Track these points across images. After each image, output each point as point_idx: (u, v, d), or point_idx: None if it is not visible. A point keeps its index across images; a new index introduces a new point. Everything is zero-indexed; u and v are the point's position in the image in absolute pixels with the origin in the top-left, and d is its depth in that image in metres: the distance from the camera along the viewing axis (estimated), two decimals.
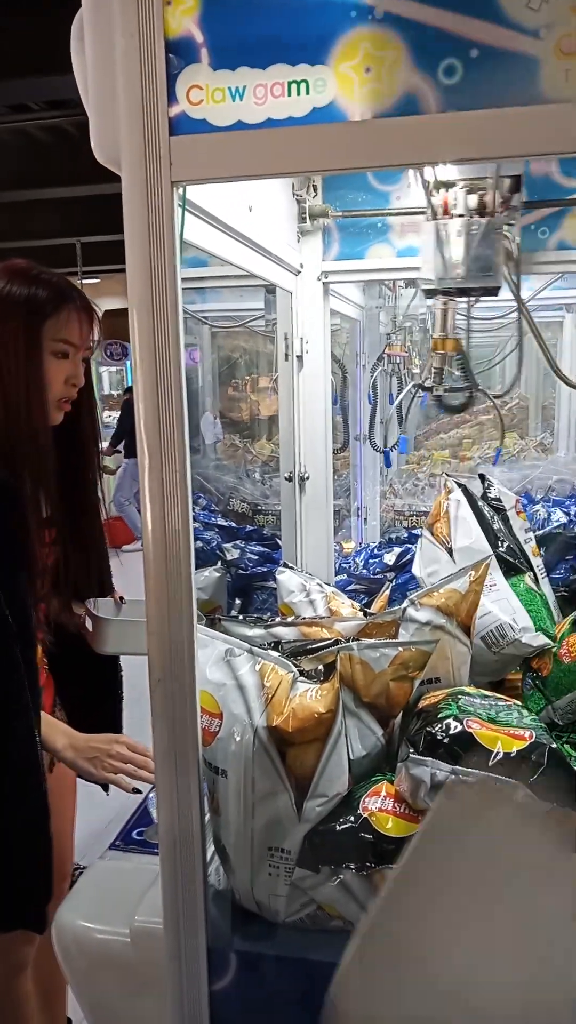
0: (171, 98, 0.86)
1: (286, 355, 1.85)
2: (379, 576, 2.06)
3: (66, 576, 1.49)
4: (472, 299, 1.73)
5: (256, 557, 2.32)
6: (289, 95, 0.84)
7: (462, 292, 1.63)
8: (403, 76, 0.82)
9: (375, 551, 2.34)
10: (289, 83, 0.84)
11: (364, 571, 2.14)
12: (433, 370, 1.78)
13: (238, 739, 1.01)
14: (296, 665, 1.08)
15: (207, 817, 1.06)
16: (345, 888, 1.00)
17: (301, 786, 1.00)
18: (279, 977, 1.04)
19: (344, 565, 2.34)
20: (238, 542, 2.45)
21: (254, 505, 3.17)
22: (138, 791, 1.38)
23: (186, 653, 0.95)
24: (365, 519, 2.80)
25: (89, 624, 1.55)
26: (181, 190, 0.91)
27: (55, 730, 1.37)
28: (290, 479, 1.96)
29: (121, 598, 1.64)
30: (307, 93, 0.83)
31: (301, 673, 1.06)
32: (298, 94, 0.84)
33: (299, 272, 1.85)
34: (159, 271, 0.89)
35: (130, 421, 7.63)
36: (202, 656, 1.05)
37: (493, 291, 1.63)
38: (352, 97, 0.83)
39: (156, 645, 0.97)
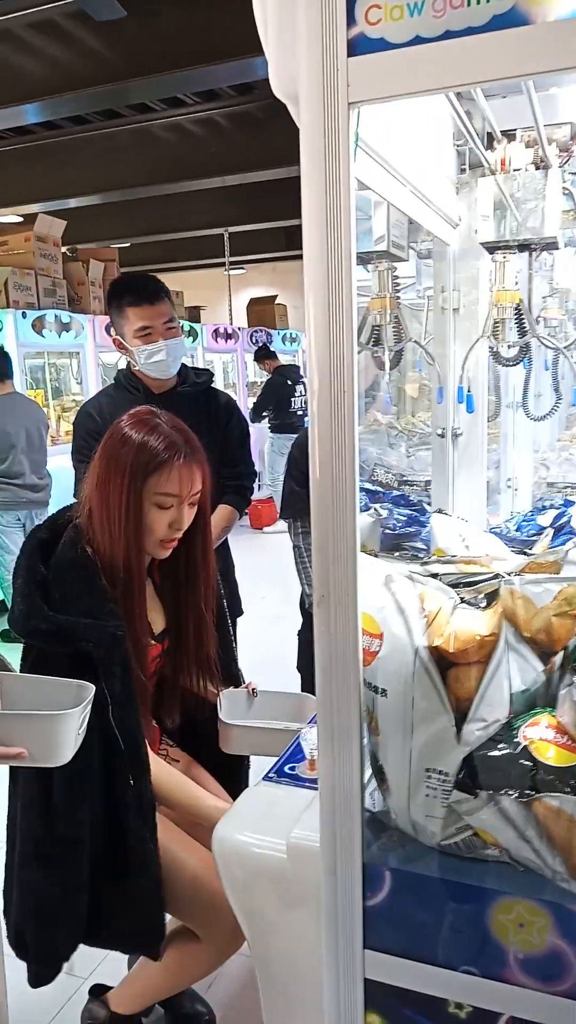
0: (350, 21, 0.88)
1: (443, 307, 1.84)
2: (533, 538, 2.00)
3: (174, 681, 1.66)
4: (534, 252, 1.73)
5: (404, 519, 2.31)
6: (468, 5, 0.83)
7: (522, 246, 1.65)
8: None
9: (528, 516, 2.27)
10: None
11: (517, 534, 2.08)
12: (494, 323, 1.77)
13: (399, 658, 1.02)
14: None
15: (365, 738, 1.09)
16: (503, 814, 0.99)
17: (461, 708, 1.00)
18: (431, 898, 1.05)
19: (494, 530, 2.29)
20: (385, 504, 2.45)
21: (399, 476, 3.15)
22: None
23: (349, 568, 0.98)
24: (516, 488, 2.72)
25: (220, 710, 1.67)
26: (356, 121, 0.92)
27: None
28: (442, 435, 1.94)
29: (254, 690, 1.75)
30: (487, 1, 0.83)
31: (461, 600, 1.06)
32: (478, 3, 0.83)
33: (457, 225, 1.83)
34: (334, 201, 0.92)
35: (275, 395, 7.73)
36: (363, 581, 1.07)
37: (553, 244, 1.65)
38: (533, 0, 0.82)
39: (320, 562, 0.99)
